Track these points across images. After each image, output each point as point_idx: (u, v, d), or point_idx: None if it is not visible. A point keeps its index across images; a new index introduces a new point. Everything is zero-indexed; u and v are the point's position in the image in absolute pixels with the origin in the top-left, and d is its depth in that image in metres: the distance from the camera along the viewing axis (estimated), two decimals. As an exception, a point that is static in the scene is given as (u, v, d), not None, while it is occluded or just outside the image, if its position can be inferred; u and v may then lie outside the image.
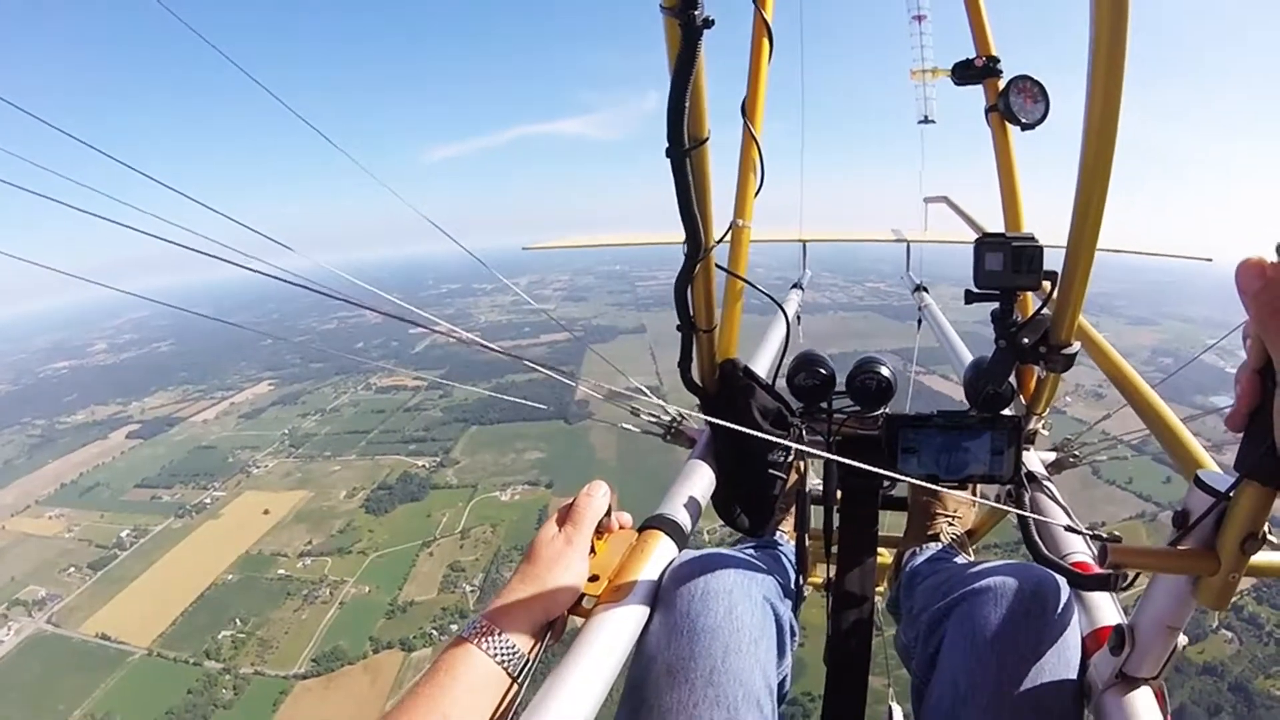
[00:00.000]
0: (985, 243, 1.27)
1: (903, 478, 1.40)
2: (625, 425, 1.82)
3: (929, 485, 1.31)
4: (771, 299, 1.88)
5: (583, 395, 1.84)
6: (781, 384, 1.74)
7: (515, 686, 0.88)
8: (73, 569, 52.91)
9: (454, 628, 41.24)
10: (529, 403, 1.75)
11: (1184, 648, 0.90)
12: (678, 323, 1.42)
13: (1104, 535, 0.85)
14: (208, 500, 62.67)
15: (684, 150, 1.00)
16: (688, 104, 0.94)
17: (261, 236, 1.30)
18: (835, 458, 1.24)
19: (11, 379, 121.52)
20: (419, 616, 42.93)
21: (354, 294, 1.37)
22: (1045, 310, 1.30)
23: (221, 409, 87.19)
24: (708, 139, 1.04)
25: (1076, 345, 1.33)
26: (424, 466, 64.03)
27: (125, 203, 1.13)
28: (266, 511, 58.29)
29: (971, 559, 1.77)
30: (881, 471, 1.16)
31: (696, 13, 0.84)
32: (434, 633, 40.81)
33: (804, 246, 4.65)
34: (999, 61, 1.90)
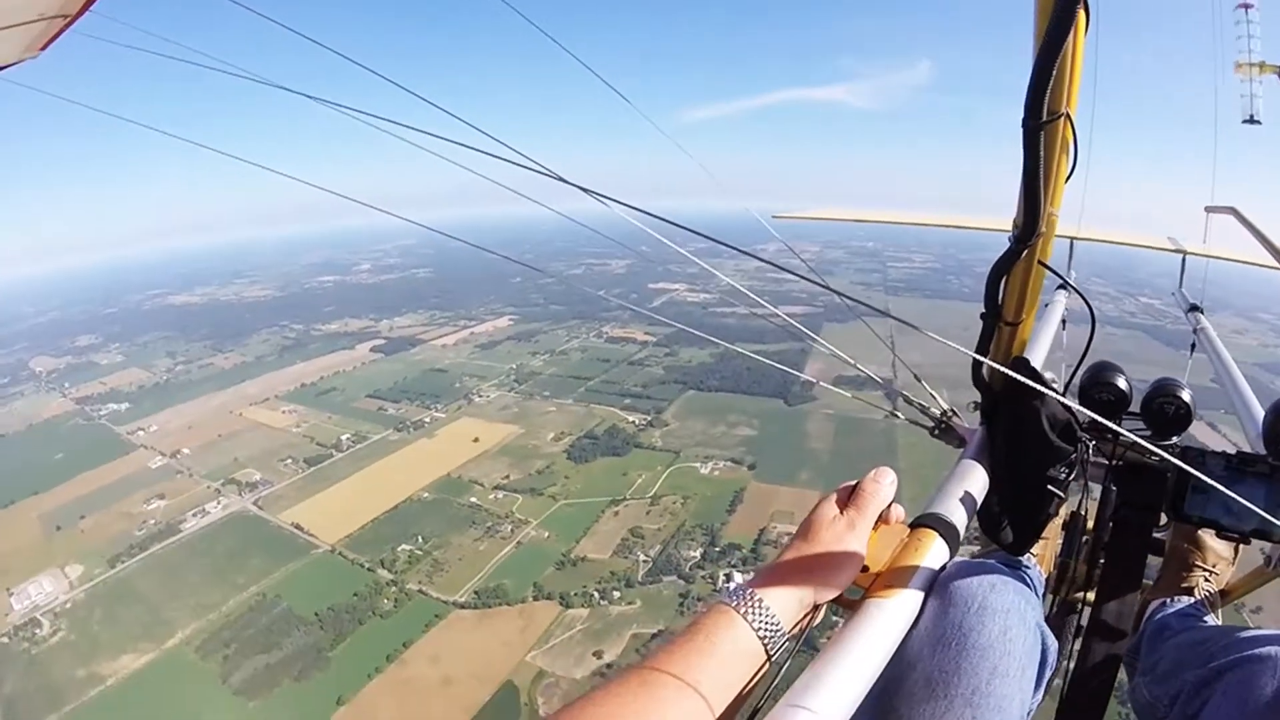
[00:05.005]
0: None
1: (1235, 522, 1.36)
2: (897, 414, 1.78)
3: (1243, 535, 1.34)
4: (1089, 305, 1.57)
5: (811, 375, 1.91)
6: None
7: (769, 664, 0.85)
8: (290, 460, 57.27)
9: (616, 594, 38.46)
10: (775, 366, 1.78)
11: None
12: (982, 310, 1.38)
13: None
14: (427, 419, 65.21)
15: (1041, 122, 0.95)
16: (1054, 73, 0.89)
17: (568, 184, 1.44)
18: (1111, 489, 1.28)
19: (280, 286, 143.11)
20: (586, 574, 40.36)
21: (607, 246, 1.28)
22: None
23: (461, 337, 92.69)
24: (1065, 114, 0.98)
25: None
26: (633, 423, 61.38)
27: (442, 137, 1.37)
28: (476, 440, 59.19)
29: (1219, 621, 1.75)
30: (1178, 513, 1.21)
31: None
32: (595, 594, 38.14)
33: (1071, 244, 4.32)
34: None
